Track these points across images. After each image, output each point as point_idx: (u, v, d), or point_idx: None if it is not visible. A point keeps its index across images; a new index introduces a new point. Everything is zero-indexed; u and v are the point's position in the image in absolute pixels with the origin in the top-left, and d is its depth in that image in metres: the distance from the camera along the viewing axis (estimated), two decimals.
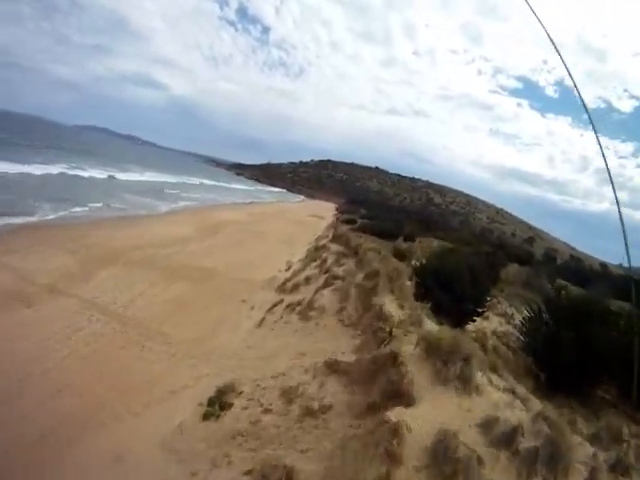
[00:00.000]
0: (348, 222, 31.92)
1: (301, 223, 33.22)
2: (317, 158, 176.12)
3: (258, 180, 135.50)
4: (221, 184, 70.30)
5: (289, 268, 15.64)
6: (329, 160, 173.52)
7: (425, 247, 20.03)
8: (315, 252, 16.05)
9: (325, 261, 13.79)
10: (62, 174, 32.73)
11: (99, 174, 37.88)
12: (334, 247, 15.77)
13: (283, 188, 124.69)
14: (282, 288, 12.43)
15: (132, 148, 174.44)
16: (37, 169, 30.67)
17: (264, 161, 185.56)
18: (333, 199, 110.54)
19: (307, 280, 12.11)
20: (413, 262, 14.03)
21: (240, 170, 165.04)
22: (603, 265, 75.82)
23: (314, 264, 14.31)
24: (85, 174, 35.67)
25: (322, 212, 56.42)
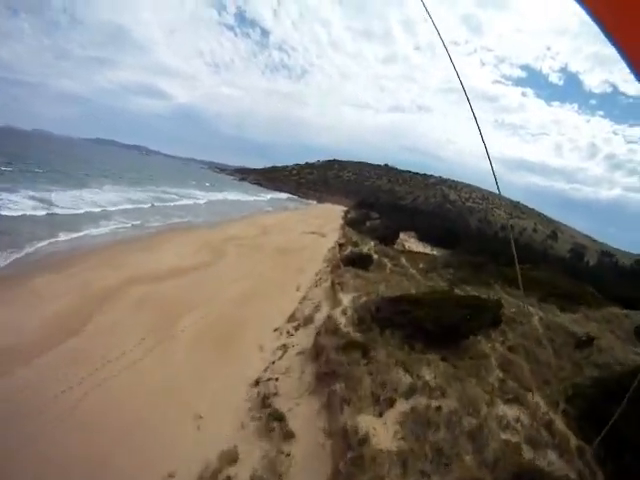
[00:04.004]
0: (354, 245, 25.51)
1: (286, 253, 24.31)
2: (323, 159, 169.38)
3: (260, 184, 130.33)
4: (206, 195, 62.02)
5: None
6: (335, 160, 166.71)
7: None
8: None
9: None
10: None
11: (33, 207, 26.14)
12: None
13: (287, 192, 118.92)
14: None
15: (135, 159, 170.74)
16: None
17: (269, 164, 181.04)
18: (342, 201, 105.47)
19: None
20: None
21: (244, 175, 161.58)
22: (638, 261, 68.81)
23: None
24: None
25: (326, 223, 49.80)
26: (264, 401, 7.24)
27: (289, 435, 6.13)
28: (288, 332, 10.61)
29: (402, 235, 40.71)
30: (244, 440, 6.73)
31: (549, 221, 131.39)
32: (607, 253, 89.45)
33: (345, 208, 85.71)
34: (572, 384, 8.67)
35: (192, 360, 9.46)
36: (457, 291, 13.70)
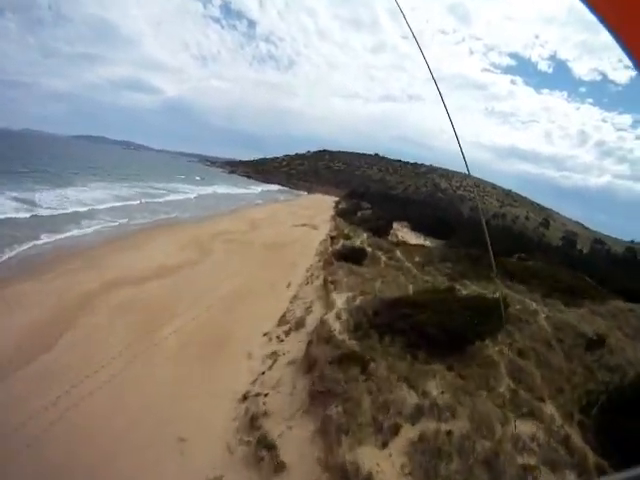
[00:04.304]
0: (347, 238, 24.70)
1: (276, 248, 23.10)
2: (313, 149, 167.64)
3: (250, 177, 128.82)
4: (195, 189, 60.37)
5: None
6: (325, 150, 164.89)
7: None
8: None
9: None
10: None
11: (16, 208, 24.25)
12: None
13: (277, 184, 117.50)
14: None
15: (124, 155, 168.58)
16: None
17: (259, 156, 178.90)
18: (332, 191, 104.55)
19: None
20: None
21: (233, 167, 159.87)
22: (630, 249, 68.85)
23: None
24: None
25: (317, 214, 48.90)
26: (253, 422, 6.45)
27: (280, 467, 5.35)
28: (278, 337, 9.80)
29: (395, 225, 39.95)
30: (231, 468, 5.98)
31: (541, 209, 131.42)
32: (599, 241, 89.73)
33: (336, 198, 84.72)
34: (585, 391, 8.01)
35: (176, 373, 8.64)
36: (458, 287, 12.96)
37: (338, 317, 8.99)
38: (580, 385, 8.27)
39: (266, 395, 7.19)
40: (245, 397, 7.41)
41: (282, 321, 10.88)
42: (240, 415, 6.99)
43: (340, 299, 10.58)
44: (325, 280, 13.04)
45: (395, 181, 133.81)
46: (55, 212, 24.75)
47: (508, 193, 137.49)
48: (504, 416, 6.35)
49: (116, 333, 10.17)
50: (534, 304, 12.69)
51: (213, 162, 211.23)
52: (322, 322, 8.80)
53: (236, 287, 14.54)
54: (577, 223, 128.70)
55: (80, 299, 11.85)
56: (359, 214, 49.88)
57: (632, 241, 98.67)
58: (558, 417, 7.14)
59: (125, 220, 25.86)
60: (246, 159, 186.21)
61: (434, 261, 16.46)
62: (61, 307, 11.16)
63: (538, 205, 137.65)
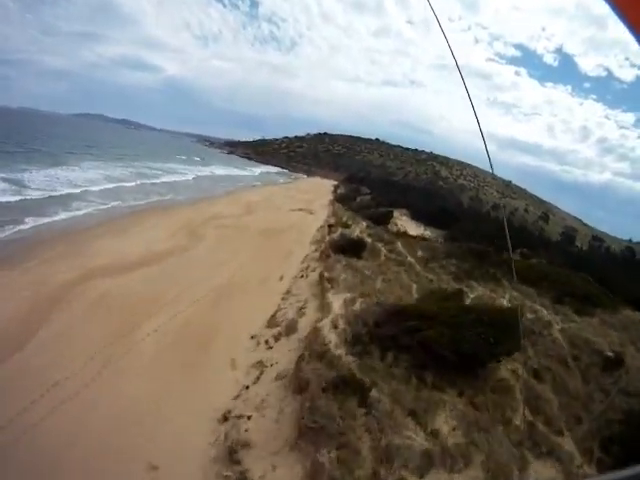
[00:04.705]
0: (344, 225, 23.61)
1: (271, 235, 21.70)
2: (313, 132, 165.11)
3: (249, 158, 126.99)
4: (192, 169, 58.84)
5: None
6: (326, 133, 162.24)
7: None
8: None
9: None
10: None
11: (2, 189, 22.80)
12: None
13: (276, 166, 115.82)
14: None
15: (123, 134, 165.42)
16: None
17: (259, 137, 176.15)
18: (331, 175, 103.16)
19: None
20: None
21: (232, 148, 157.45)
22: (629, 248, 68.08)
23: None
24: None
25: (315, 198, 47.69)
26: (232, 454, 5.52)
27: None
28: (267, 342, 8.82)
29: (394, 213, 38.90)
30: None
31: (540, 202, 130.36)
32: (598, 238, 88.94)
33: (335, 182, 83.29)
34: (605, 421, 7.12)
35: (151, 383, 7.64)
36: (465, 288, 12.00)
37: (334, 325, 7.98)
38: (599, 414, 7.40)
39: (249, 418, 6.24)
40: (225, 417, 6.46)
41: (272, 322, 9.87)
42: (219, 440, 6.05)
43: (337, 301, 9.55)
44: (321, 276, 11.99)
45: (395, 167, 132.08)
46: (44, 194, 23.32)
47: (508, 184, 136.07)
48: (522, 457, 5.45)
49: (91, 333, 9.14)
50: (545, 311, 11.77)
51: (212, 142, 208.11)
52: (315, 330, 7.80)
53: (225, 278, 13.52)
54: (576, 218, 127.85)
55: (57, 291, 10.85)
56: (358, 200, 48.72)
57: (630, 240, 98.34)
58: (577, 455, 6.27)
59: (117, 202, 24.58)
60: (245, 140, 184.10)
61: (438, 257, 15.45)
62: (35, 301, 10.10)
63: (537, 198, 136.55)
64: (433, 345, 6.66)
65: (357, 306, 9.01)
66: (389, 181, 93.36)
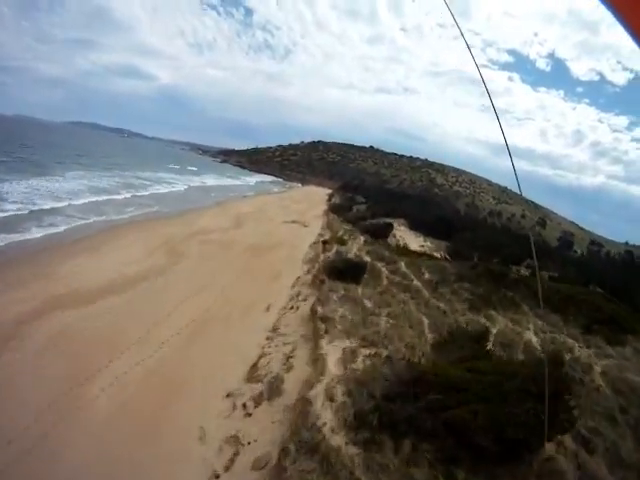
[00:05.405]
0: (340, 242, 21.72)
1: (260, 252, 19.69)
2: (307, 140, 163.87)
3: (243, 166, 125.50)
4: (183, 179, 57.71)
5: None
6: (320, 141, 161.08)
7: None
8: None
9: None
10: None
11: None
12: None
13: (270, 174, 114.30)
14: None
15: (115, 142, 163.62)
16: None
17: (252, 145, 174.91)
18: (326, 183, 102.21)
19: None
20: None
21: (226, 157, 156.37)
22: (629, 252, 66.55)
23: None
24: None
25: (309, 208, 45.93)
26: None
27: None
28: (244, 407, 6.88)
29: (390, 221, 37.14)
30: None
31: (536, 207, 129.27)
32: (596, 242, 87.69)
33: (329, 190, 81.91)
34: None
35: (101, 456, 5.84)
36: (485, 322, 10.16)
37: (330, 397, 6.03)
38: None
39: None
40: None
41: (253, 374, 7.91)
42: None
43: (333, 354, 7.54)
44: (313, 312, 10.02)
45: (390, 174, 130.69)
46: (20, 208, 21.46)
47: (504, 190, 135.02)
48: None
49: (41, 382, 7.52)
50: (581, 348, 9.95)
51: (206, 151, 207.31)
52: (305, 403, 5.87)
53: (202, 309, 11.59)
54: (572, 223, 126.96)
55: (10, 328, 9.23)
56: (354, 210, 46.93)
57: (627, 242, 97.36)
58: None
59: (97, 217, 22.71)
60: (239, 148, 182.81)
61: (449, 280, 13.55)
62: None
63: (533, 203, 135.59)
64: (468, 430, 4.80)
65: (359, 363, 7.04)
66: (384, 189, 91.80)
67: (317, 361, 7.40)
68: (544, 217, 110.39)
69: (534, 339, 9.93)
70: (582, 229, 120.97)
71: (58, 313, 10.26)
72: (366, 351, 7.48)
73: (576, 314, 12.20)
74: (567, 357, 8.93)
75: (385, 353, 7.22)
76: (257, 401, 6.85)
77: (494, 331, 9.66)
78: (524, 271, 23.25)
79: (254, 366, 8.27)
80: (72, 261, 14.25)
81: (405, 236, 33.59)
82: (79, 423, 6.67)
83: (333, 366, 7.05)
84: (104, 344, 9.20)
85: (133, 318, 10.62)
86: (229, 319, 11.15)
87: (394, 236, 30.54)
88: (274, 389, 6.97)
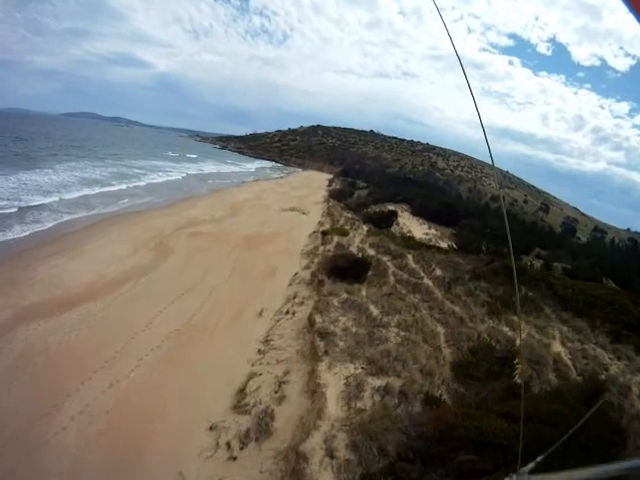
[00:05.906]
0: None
1: (255, 244, 18.42)
2: (306, 124, 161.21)
3: (242, 152, 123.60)
4: (179, 167, 56.01)
5: None
6: (319, 125, 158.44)
7: None
8: None
9: None
10: None
11: None
12: None
13: (270, 160, 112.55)
14: None
15: (113, 131, 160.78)
16: None
17: (251, 131, 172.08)
18: (326, 168, 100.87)
19: None
20: None
21: (225, 142, 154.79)
22: (632, 239, 65.09)
23: None
24: None
25: (308, 194, 44.61)
26: None
27: None
28: (229, 446, 5.71)
29: (393, 207, 35.85)
30: None
31: (538, 192, 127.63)
32: (599, 229, 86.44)
33: (330, 175, 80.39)
34: None
35: None
36: (506, 330, 8.95)
37: (330, 452, 4.78)
38: None
39: None
40: None
41: (240, 402, 6.69)
42: None
43: (333, 385, 6.23)
44: (311, 323, 8.77)
45: (391, 159, 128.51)
46: (5, 204, 20.15)
47: (506, 175, 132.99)
48: None
49: (5, 411, 6.61)
50: (608, 359, 8.76)
51: (204, 137, 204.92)
52: (298, 459, 4.66)
53: (187, 316, 10.35)
54: (574, 208, 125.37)
55: None
56: (355, 195, 45.52)
57: (629, 229, 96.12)
58: None
59: (85, 211, 21.47)
60: (238, 134, 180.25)
61: (462, 277, 12.25)
62: None
63: (535, 188, 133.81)
64: None
65: (366, 400, 5.80)
66: (386, 173, 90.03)
67: (314, 394, 6.16)
68: (546, 202, 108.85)
69: (563, 352, 8.72)
70: (584, 215, 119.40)
71: (27, 327, 9.15)
72: (374, 381, 6.22)
73: (603, 318, 10.98)
74: (603, 376, 7.75)
75: (398, 384, 5.99)
76: (243, 441, 5.67)
77: (518, 341, 8.43)
78: (535, 262, 22.09)
79: (241, 391, 7.05)
80: (51, 262, 13.05)
81: (409, 223, 32.34)
82: (38, 465, 5.59)
83: (334, 404, 5.79)
84: (75, 362, 8.09)
85: (109, 329, 9.45)
86: (216, 328, 9.93)
87: (397, 224, 29.27)
88: (263, 427, 5.77)
